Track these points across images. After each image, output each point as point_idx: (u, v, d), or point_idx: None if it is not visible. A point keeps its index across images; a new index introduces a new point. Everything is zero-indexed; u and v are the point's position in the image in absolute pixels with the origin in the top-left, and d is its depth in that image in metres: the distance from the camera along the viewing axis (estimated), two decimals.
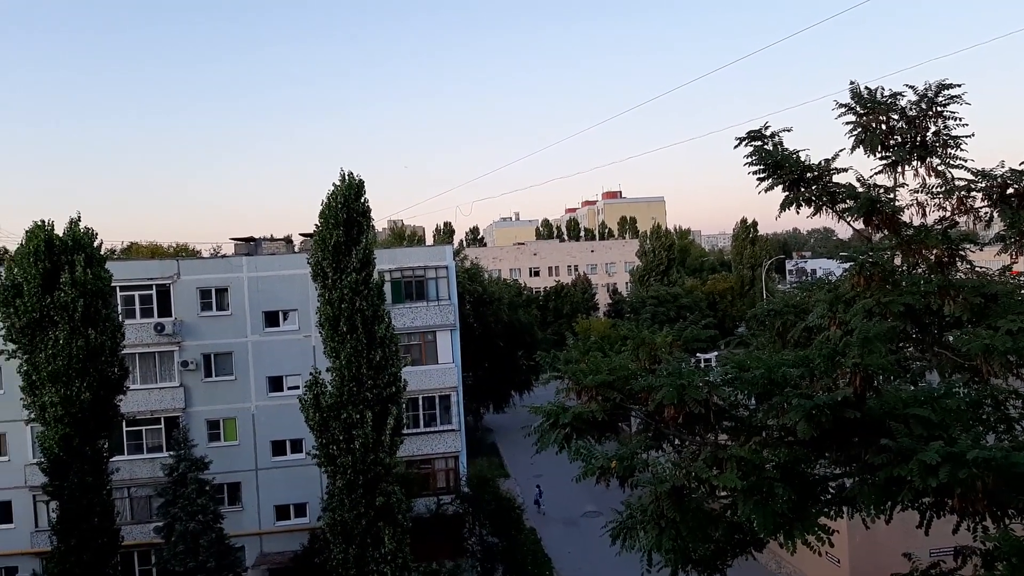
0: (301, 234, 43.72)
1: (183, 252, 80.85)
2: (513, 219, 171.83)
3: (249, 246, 42.51)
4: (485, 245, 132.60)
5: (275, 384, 36.66)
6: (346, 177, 30.57)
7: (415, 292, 38.73)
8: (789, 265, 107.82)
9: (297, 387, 33.24)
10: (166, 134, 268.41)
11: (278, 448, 36.56)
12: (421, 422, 37.58)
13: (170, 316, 35.82)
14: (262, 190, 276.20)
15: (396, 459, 30.54)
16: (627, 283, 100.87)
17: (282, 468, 36.22)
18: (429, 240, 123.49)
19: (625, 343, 10.40)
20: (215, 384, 36.13)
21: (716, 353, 19.10)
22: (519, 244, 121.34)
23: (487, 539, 35.46)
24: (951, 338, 8.56)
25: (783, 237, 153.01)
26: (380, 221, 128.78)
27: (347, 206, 29.88)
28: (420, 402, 37.50)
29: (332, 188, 30.12)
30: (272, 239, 44.24)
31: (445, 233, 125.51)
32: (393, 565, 29.11)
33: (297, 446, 36.18)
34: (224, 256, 51.97)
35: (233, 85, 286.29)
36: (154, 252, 79.47)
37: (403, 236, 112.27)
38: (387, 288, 35.51)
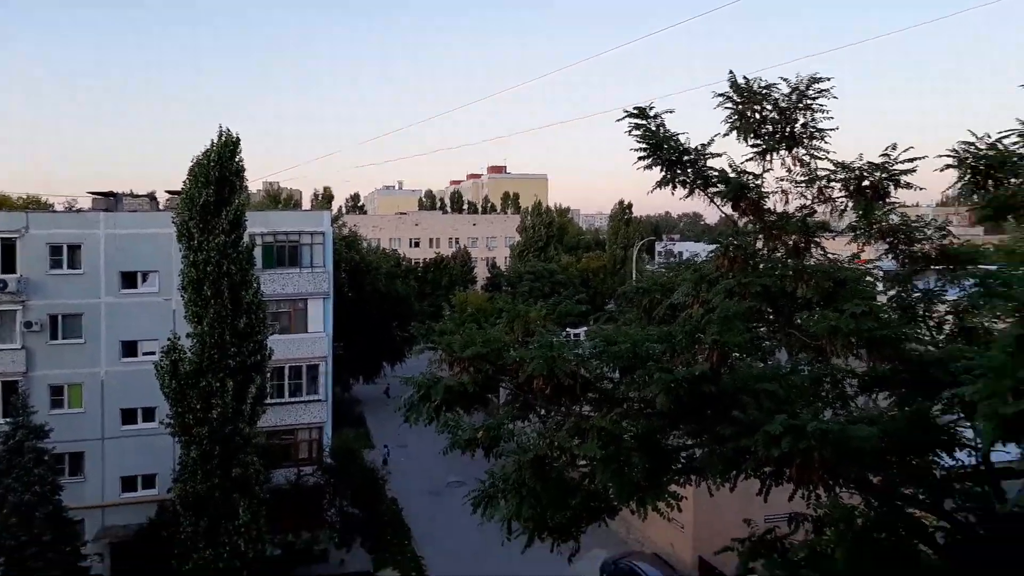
0: (167, 191, 41.33)
1: (33, 205, 74.69)
2: (396, 188, 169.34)
3: (108, 201, 39.68)
4: (366, 213, 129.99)
5: (129, 349, 34.58)
6: (223, 134, 29.07)
7: (288, 258, 37.45)
8: (659, 247, 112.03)
9: (154, 353, 31.49)
10: (20, 72, 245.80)
11: (128, 416, 34.56)
12: (287, 392, 36.56)
13: (15, 273, 33.03)
14: (129, 144, 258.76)
15: (257, 429, 29.64)
16: (507, 258, 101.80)
17: (132, 437, 34.30)
18: (306, 205, 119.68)
19: (500, 316, 10.45)
20: (61, 347, 33.68)
21: (586, 328, 19.56)
22: (401, 214, 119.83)
23: (347, 510, 35.09)
24: (801, 319, 9.09)
25: (655, 220, 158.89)
26: (255, 182, 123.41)
27: (220, 164, 28.46)
28: (287, 371, 36.45)
29: (207, 145, 28.63)
30: (134, 195, 41.49)
31: (324, 199, 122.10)
32: (247, 537, 28.27)
33: (150, 414, 34.26)
34: (79, 211, 48.41)
35: (109, 30, 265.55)
36: (0, 203, 73.05)
37: (279, 199, 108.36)
38: (258, 252, 34.15)
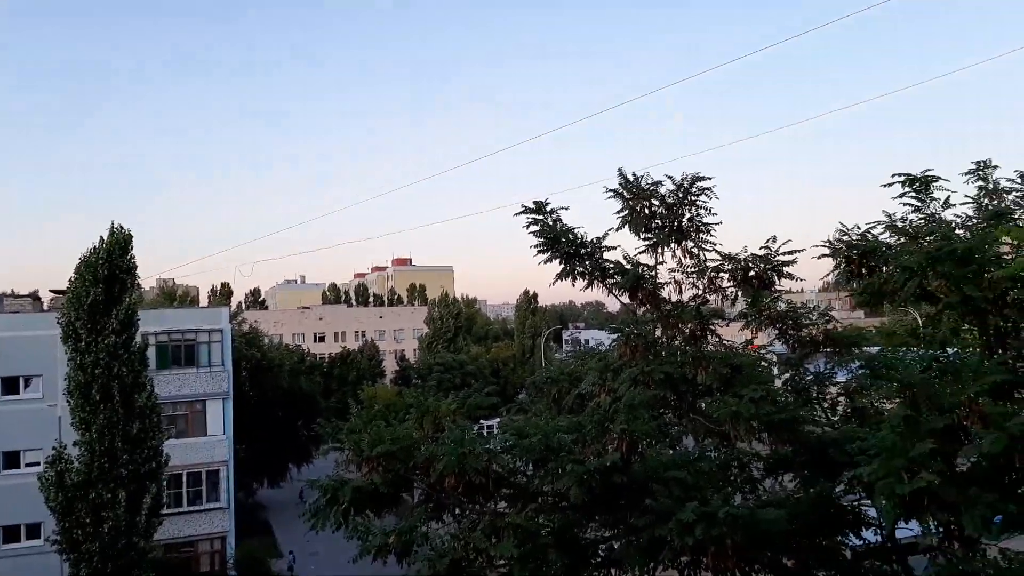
0: (52, 291, 39.35)
1: None
2: (299, 282, 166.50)
3: None
4: (267, 308, 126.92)
5: (10, 460, 32.09)
6: (114, 230, 28.16)
7: (184, 357, 35.99)
8: (565, 335, 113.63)
9: (38, 463, 29.31)
10: None
11: (10, 534, 31.72)
12: (185, 500, 34.49)
13: None
14: (9, 241, 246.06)
15: (153, 543, 27.72)
16: (416, 349, 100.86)
17: (14, 557, 31.41)
18: (204, 302, 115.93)
19: (410, 411, 10.31)
20: None
21: (498, 420, 19.48)
22: (304, 308, 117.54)
23: None
24: (703, 405, 9.37)
25: (560, 308, 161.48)
26: (148, 279, 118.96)
27: (110, 261, 27.48)
28: (185, 478, 34.49)
29: (95, 242, 27.64)
30: (15, 295, 39.32)
31: (222, 295, 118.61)
32: None
33: (34, 531, 31.59)
34: None
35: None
36: None
37: (174, 296, 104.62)
38: (152, 352, 32.73)
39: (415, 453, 8.60)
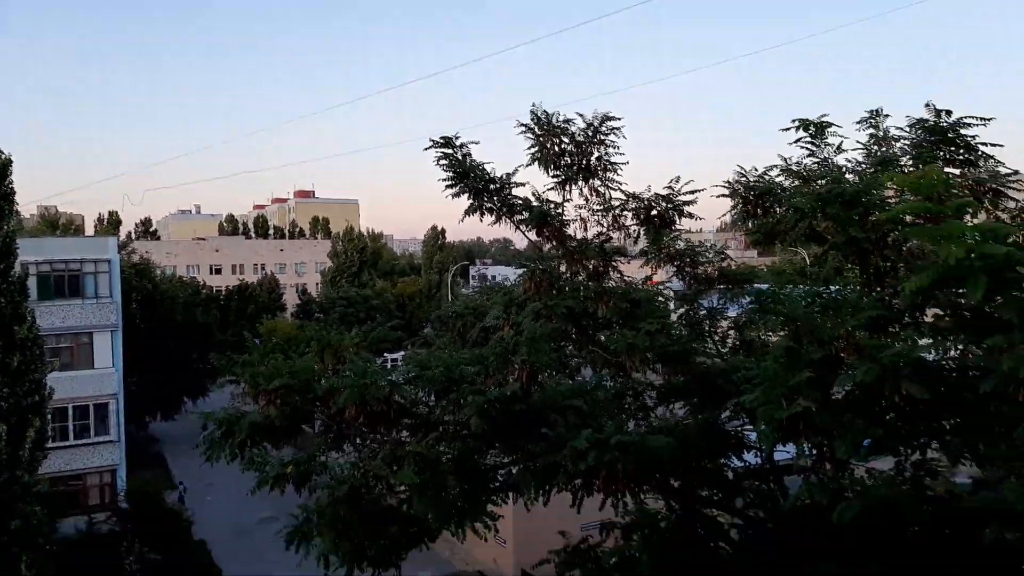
0: None
1: None
2: (193, 212, 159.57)
3: None
4: (159, 239, 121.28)
5: None
6: None
7: (68, 288, 34.20)
8: (472, 271, 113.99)
9: None
10: None
11: None
12: (72, 434, 33.26)
13: None
14: None
15: (38, 476, 26.75)
16: (318, 284, 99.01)
17: None
18: (90, 231, 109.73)
19: (311, 345, 10.18)
20: None
21: (402, 353, 19.48)
22: (199, 239, 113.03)
23: (148, 556, 32.47)
24: (603, 337, 9.64)
25: (468, 245, 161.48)
26: (28, 207, 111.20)
27: None
28: (71, 411, 33.19)
29: None
30: None
31: (110, 223, 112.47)
32: None
33: None
34: None
35: None
36: None
37: (56, 225, 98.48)
38: (32, 283, 30.92)
39: (315, 386, 8.53)
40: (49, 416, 27.78)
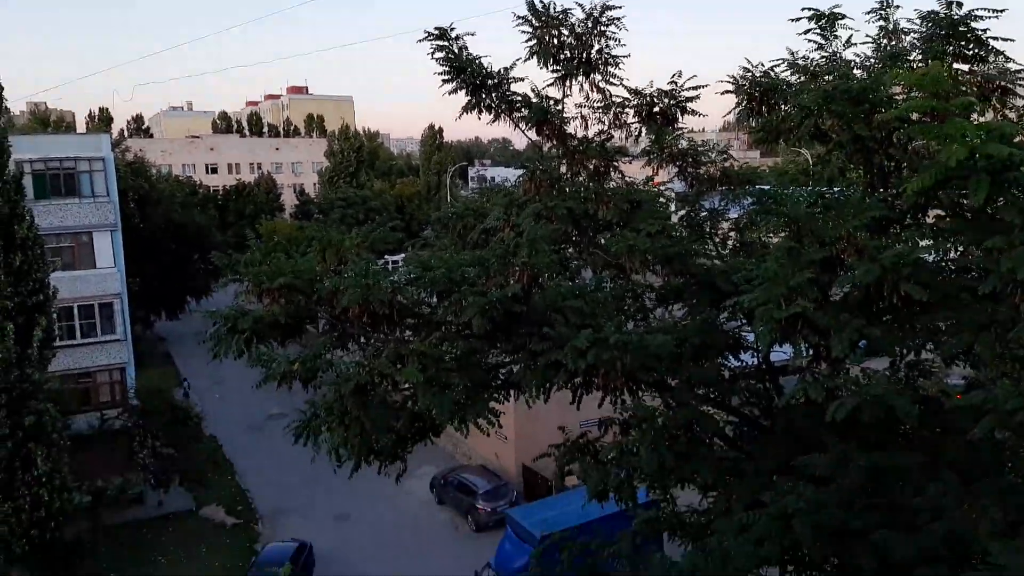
0: None
1: None
2: (185, 109, 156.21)
3: None
4: (152, 137, 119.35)
5: None
6: None
7: (64, 187, 33.90)
8: (471, 172, 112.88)
9: None
10: None
11: None
12: (79, 333, 33.71)
13: None
14: None
15: (48, 374, 27.36)
16: (315, 184, 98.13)
17: None
18: (81, 128, 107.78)
19: (311, 245, 10.18)
20: None
21: (403, 255, 19.52)
22: (193, 137, 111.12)
23: (160, 450, 33.55)
24: (603, 239, 9.65)
25: (466, 145, 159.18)
26: (17, 103, 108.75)
27: None
28: (77, 311, 33.52)
29: None
30: None
31: (101, 120, 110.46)
32: (49, 487, 26.41)
33: None
34: None
35: None
36: None
37: (48, 122, 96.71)
38: (28, 182, 30.66)
39: (317, 286, 8.58)
40: (55, 315, 28.08)
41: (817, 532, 6.11)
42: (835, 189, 9.12)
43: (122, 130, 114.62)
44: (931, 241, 7.12)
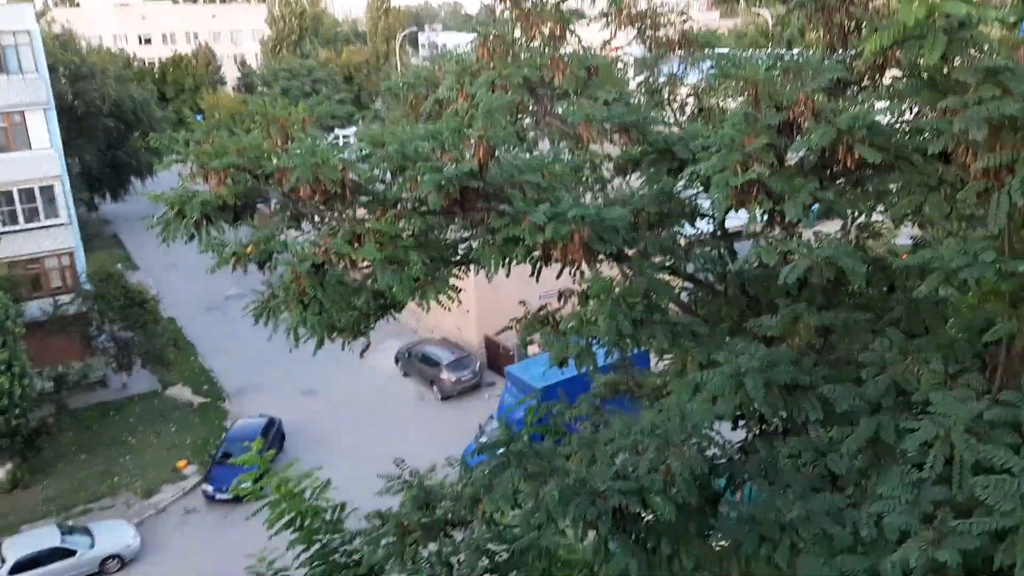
0: None
1: None
2: None
3: None
4: (78, 6, 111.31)
5: None
6: None
7: None
8: (422, 38, 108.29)
9: None
10: None
11: None
12: (21, 218, 32.59)
13: None
14: None
15: None
16: (257, 54, 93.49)
17: None
18: None
19: (256, 120, 9.76)
20: None
21: (354, 129, 18.94)
22: (123, 5, 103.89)
23: (119, 334, 33.44)
24: (560, 109, 9.43)
25: (416, 9, 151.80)
26: None
27: None
28: (16, 195, 32.28)
29: None
30: None
31: None
32: (9, 375, 26.40)
33: None
34: None
35: None
36: None
37: None
38: None
39: (264, 164, 8.31)
40: None
41: (768, 389, 6.39)
42: (794, 51, 8.96)
43: (45, 0, 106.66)
44: (887, 103, 7.11)
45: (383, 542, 7.32)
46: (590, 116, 8.28)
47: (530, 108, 9.88)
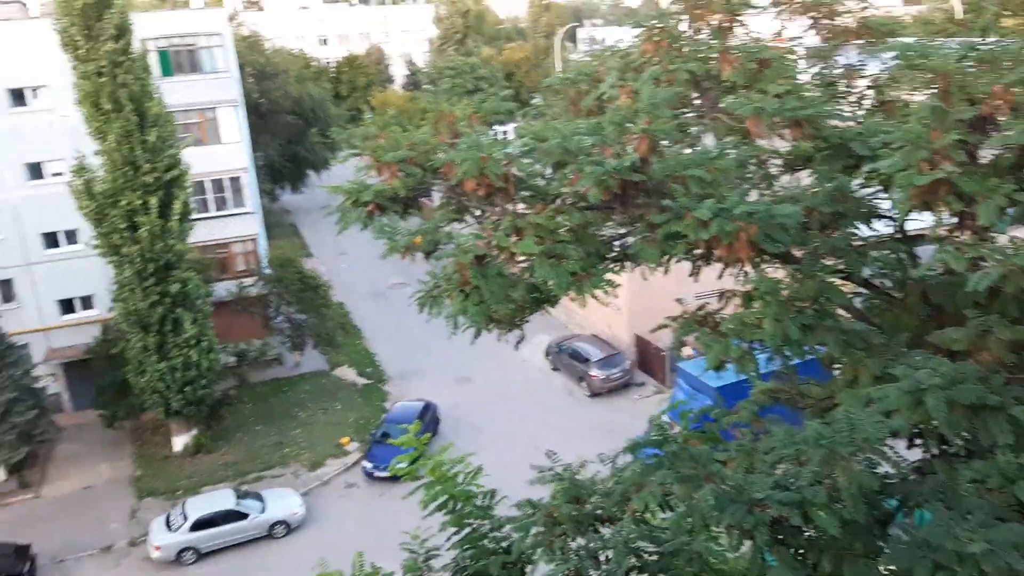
0: None
1: None
2: None
3: None
4: (263, 10, 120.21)
5: (34, 171, 32.78)
6: None
7: (188, 64, 34.99)
8: (582, 34, 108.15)
9: (61, 173, 30.03)
10: None
11: (50, 240, 33.51)
12: (212, 206, 35.73)
13: None
14: None
15: (188, 246, 29.41)
16: (424, 53, 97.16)
17: (59, 261, 33.49)
18: (196, 3, 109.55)
19: (425, 116, 10.16)
20: None
21: (514, 125, 19.27)
22: (303, 9, 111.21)
23: (294, 316, 35.89)
24: (726, 103, 9.12)
25: (576, 4, 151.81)
26: None
27: None
28: (208, 185, 35.41)
29: None
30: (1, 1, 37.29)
31: None
32: (197, 348, 28.99)
33: (72, 237, 33.34)
34: None
35: None
36: None
37: None
38: (153, 60, 31.81)
39: (433, 159, 8.61)
40: (189, 190, 29.74)
41: (951, 408, 5.89)
42: (989, 40, 8.19)
43: (233, 5, 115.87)
44: None
45: (532, 531, 7.40)
46: (760, 109, 7.95)
47: (695, 102, 9.64)
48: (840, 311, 7.94)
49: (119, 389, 30.86)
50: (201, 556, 25.67)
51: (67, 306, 34.34)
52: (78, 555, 26.30)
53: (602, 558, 7.16)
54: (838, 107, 9.44)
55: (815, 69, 10.07)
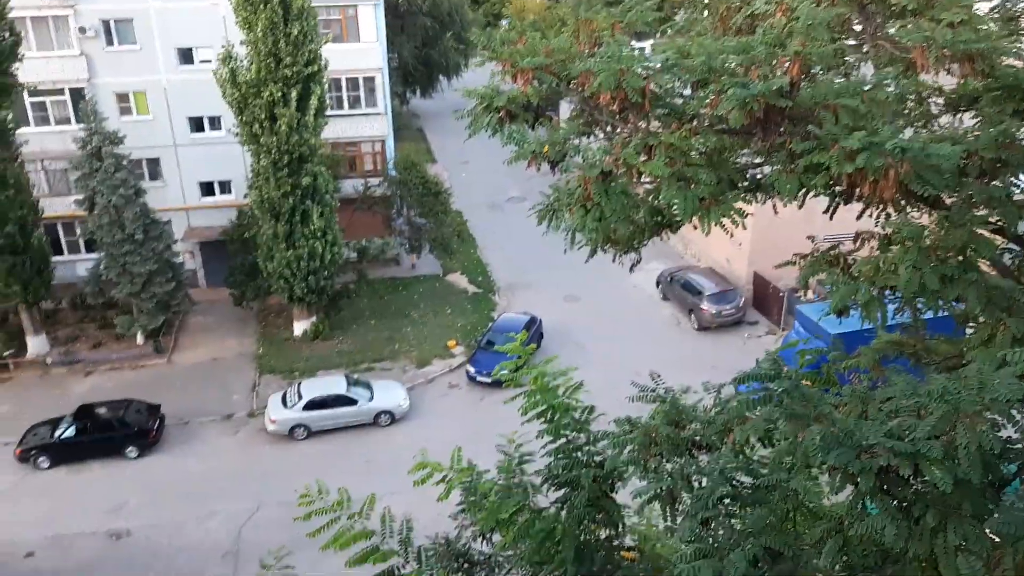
0: None
1: None
2: None
3: None
4: None
5: (185, 56, 34.38)
6: None
7: None
8: None
9: (210, 60, 31.33)
10: None
11: (196, 124, 35.37)
12: (345, 104, 36.56)
13: None
14: None
15: (321, 140, 30.35)
16: None
17: (202, 145, 35.39)
18: None
19: (564, 26, 9.91)
20: (119, 54, 33.67)
21: (652, 41, 18.53)
22: None
23: (414, 220, 36.77)
24: (892, 30, 8.43)
25: None
26: None
27: None
28: (343, 83, 36.14)
29: None
30: None
31: None
32: (323, 241, 30.25)
33: (216, 123, 35.08)
34: None
35: None
36: None
37: None
38: None
39: (569, 67, 8.43)
40: (326, 86, 30.46)
41: None
42: None
43: None
44: None
45: (627, 448, 7.48)
46: (930, 39, 7.31)
47: (855, 28, 8.96)
48: (985, 266, 7.41)
49: (249, 272, 32.85)
50: (311, 434, 27.50)
51: (207, 188, 36.49)
52: (201, 419, 28.74)
53: (695, 483, 7.19)
54: (1018, 45, 8.57)
55: (997, 1, 9.13)
